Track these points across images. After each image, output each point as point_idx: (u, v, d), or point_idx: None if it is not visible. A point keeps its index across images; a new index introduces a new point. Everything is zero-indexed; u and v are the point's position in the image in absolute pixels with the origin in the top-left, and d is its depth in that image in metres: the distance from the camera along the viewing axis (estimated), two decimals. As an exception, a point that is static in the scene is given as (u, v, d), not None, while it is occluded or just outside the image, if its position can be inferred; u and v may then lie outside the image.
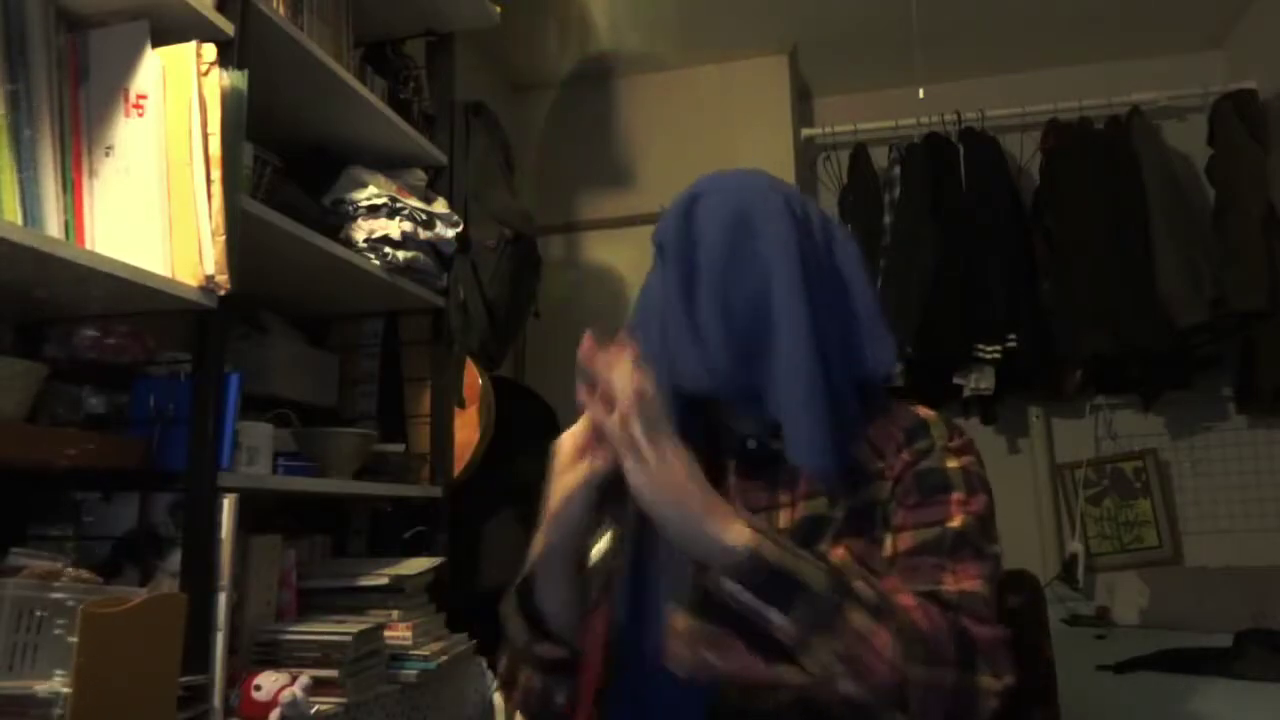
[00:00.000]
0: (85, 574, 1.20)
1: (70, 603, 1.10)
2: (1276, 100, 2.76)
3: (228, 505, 1.31)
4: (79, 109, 1.31)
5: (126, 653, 1.08)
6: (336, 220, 1.76)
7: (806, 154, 3.21)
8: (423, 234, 1.89)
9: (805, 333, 0.90)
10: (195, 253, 1.29)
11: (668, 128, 3.05)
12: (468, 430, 2.04)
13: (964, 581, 0.84)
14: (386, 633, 1.59)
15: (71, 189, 1.27)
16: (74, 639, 1.03)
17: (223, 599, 1.30)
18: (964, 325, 2.77)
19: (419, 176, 2.02)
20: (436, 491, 1.95)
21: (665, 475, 0.80)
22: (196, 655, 1.24)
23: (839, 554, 0.89)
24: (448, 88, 2.17)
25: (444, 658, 1.66)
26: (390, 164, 1.95)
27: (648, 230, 1.03)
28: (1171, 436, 3.00)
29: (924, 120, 3.00)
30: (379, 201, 1.81)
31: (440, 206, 1.99)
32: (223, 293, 1.32)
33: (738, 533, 0.79)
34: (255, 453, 1.45)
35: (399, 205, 1.84)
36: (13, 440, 1.17)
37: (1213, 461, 2.97)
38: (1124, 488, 3.00)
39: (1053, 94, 2.98)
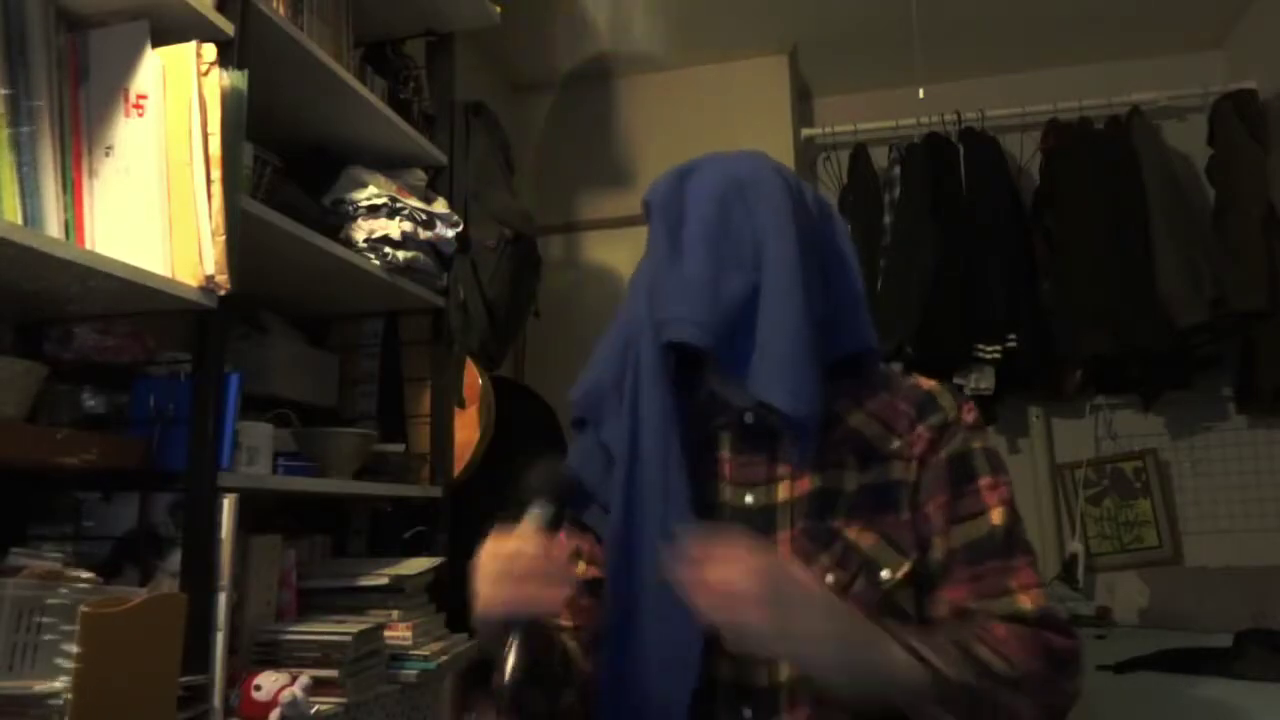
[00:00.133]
0: (85, 574, 1.20)
1: (70, 603, 1.10)
2: (1276, 100, 2.76)
3: (228, 505, 1.31)
4: (79, 109, 1.31)
5: (126, 653, 1.08)
6: (336, 220, 1.76)
7: (806, 154, 3.21)
8: (423, 234, 1.89)
9: (796, 288, 0.89)
10: (195, 253, 1.29)
11: (668, 128, 3.04)
12: (468, 430, 2.04)
13: (1030, 588, 0.88)
14: (386, 633, 1.59)
15: (71, 189, 1.27)
16: (74, 639, 1.03)
17: (223, 599, 1.30)
18: (964, 325, 2.77)
19: (419, 176, 2.02)
20: (436, 491, 1.95)
21: (813, 625, 0.77)
22: (196, 655, 1.24)
23: (864, 537, 0.89)
24: (448, 88, 2.17)
25: (444, 658, 1.66)
26: (390, 164, 1.95)
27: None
28: (1171, 436, 3.00)
29: (924, 120, 3.00)
30: (379, 201, 1.81)
31: (440, 206, 1.99)
32: (223, 293, 1.32)
33: (906, 664, 0.79)
34: (255, 453, 1.45)
35: (399, 205, 1.84)
36: (13, 440, 1.17)
37: (1213, 461, 2.96)
38: (1124, 488, 3.00)
39: (1053, 94, 2.98)
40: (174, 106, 1.31)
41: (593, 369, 1.02)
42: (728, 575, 0.75)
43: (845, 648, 0.78)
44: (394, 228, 1.81)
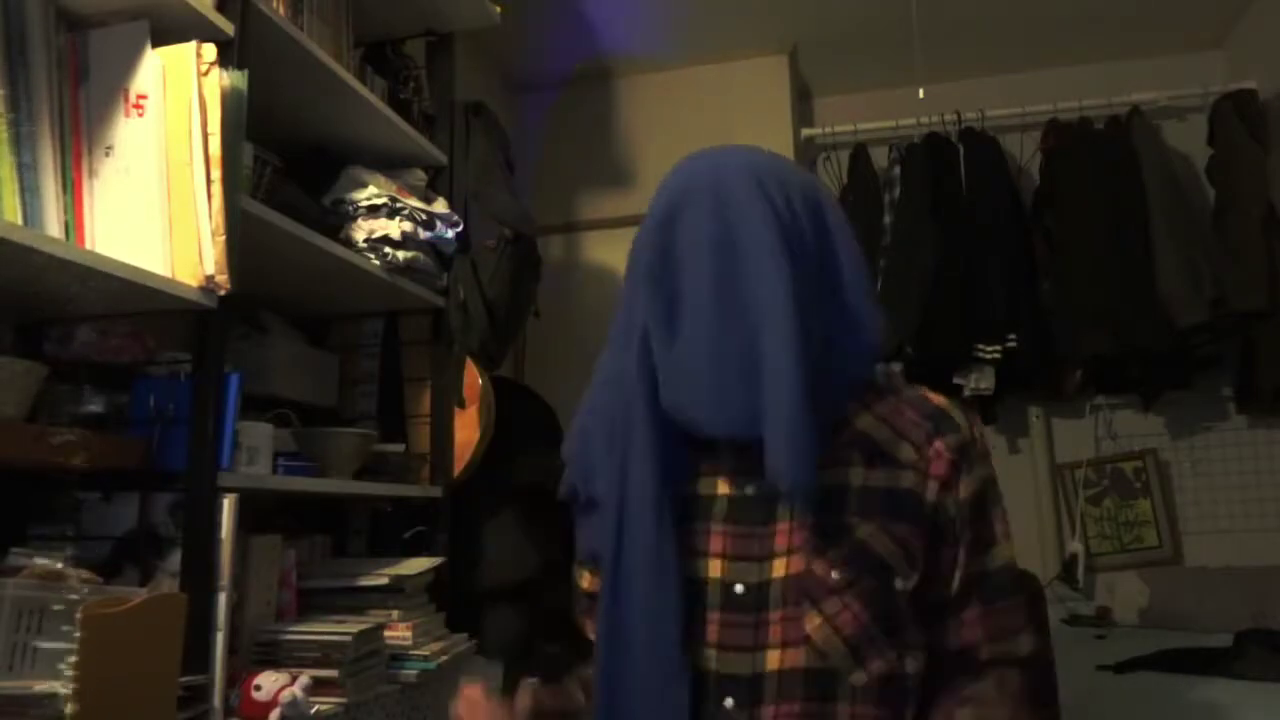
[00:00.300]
0: (85, 574, 1.20)
1: (70, 603, 1.10)
2: (1276, 100, 2.76)
3: (228, 505, 1.32)
4: (79, 109, 1.31)
5: (126, 653, 1.08)
6: (336, 220, 1.77)
7: (806, 154, 3.21)
8: (423, 234, 1.89)
9: (795, 368, 0.85)
10: (195, 253, 1.29)
11: (668, 128, 3.05)
12: (468, 430, 2.04)
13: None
14: (386, 633, 1.59)
15: (71, 189, 1.27)
16: (74, 639, 1.03)
17: (223, 599, 1.30)
18: (964, 325, 2.77)
19: (419, 176, 2.02)
20: (436, 491, 1.95)
21: None
22: (196, 655, 1.24)
23: (877, 539, 0.89)
24: (448, 88, 2.17)
25: (444, 658, 1.66)
26: (390, 164, 1.96)
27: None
28: (1171, 436, 3.00)
29: (924, 120, 3.00)
30: (379, 201, 1.81)
31: (440, 206, 1.99)
32: (223, 293, 1.32)
33: None
34: (255, 453, 1.45)
35: (399, 205, 1.84)
36: (13, 440, 1.17)
37: (1213, 461, 2.96)
38: (1124, 488, 3.00)
39: (1053, 94, 2.98)
40: (174, 106, 1.31)
41: (581, 436, 1.00)
42: None
43: None
44: (394, 228, 1.81)
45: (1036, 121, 3.01)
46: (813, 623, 0.86)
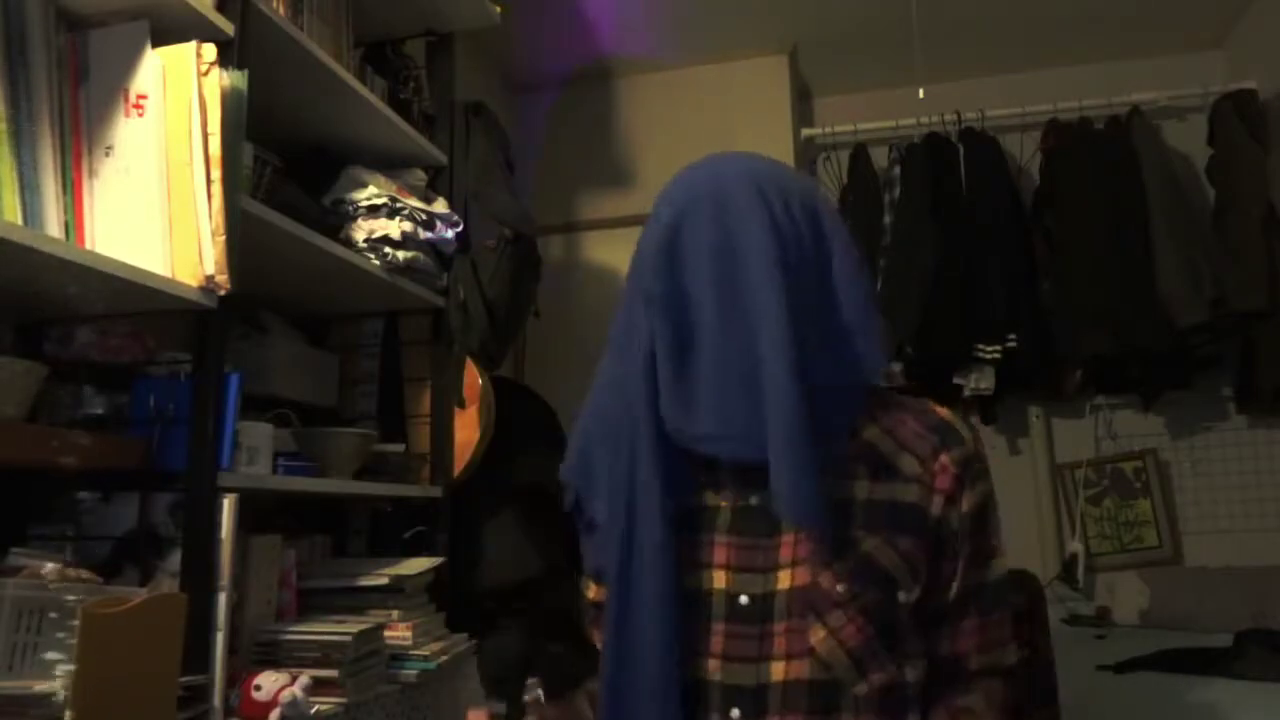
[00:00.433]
0: (85, 574, 1.20)
1: (70, 603, 1.10)
2: (1276, 100, 2.76)
3: (228, 505, 1.32)
4: (79, 109, 1.31)
5: (126, 653, 1.08)
6: (336, 220, 1.77)
7: (806, 154, 3.21)
8: (423, 234, 1.89)
9: (793, 387, 0.86)
10: (195, 253, 1.29)
11: (668, 128, 3.05)
12: (468, 430, 2.04)
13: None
14: (386, 633, 1.59)
15: (71, 189, 1.27)
16: (74, 639, 1.03)
17: (223, 599, 1.30)
18: (964, 325, 2.77)
19: (419, 176, 2.02)
20: (436, 491, 1.95)
21: None
22: (196, 655, 1.24)
23: (883, 552, 0.88)
24: (448, 88, 2.17)
25: (444, 658, 1.66)
26: (390, 164, 1.96)
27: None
28: (1171, 436, 3.00)
29: (924, 120, 3.00)
30: (379, 201, 1.81)
31: (440, 206, 1.99)
32: (223, 293, 1.32)
33: None
34: (255, 453, 1.45)
35: (399, 205, 1.84)
36: (13, 440, 1.17)
37: (1213, 461, 2.97)
38: (1124, 488, 3.00)
39: (1053, 94, 2.98)
40: (174, 106, 1.31)
41: (583, 438, 1.00)
42: None
43: None
44: (394, 228, 1.81)
45: (1036, 121, 3.01)
46: (817, 635, 0.86)
